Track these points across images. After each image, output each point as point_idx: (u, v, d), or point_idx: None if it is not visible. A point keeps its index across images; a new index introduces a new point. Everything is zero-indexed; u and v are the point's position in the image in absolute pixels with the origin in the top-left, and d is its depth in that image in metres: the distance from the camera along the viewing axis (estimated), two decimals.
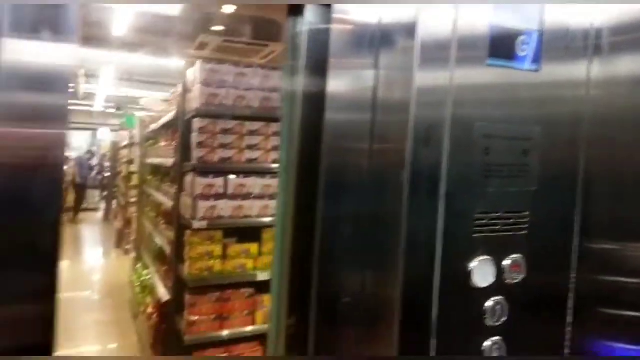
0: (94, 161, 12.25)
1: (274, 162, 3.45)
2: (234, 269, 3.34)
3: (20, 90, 0.69)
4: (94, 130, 15.53)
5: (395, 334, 0.83)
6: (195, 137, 3.22)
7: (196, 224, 3.16)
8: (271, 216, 3.44)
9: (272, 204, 3.45)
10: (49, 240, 0.73)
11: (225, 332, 3.25)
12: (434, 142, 0.83)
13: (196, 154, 3.21)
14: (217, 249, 3.30)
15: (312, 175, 0.96)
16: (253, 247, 3.41)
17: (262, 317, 3.41)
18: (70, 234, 9.67)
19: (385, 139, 0.90)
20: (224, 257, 3.32)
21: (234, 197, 3.31)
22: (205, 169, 3.24)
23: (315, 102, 0.95)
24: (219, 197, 3.26)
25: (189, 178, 3.34)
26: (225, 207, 3.28)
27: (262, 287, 3.44)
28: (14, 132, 0.70)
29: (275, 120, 3.46)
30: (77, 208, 10.85)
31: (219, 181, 3.26)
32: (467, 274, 0.86)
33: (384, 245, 0.87)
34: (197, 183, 3.21)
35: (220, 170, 3.28)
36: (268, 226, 3.46)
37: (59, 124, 0.72)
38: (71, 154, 14.18)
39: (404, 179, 0.81)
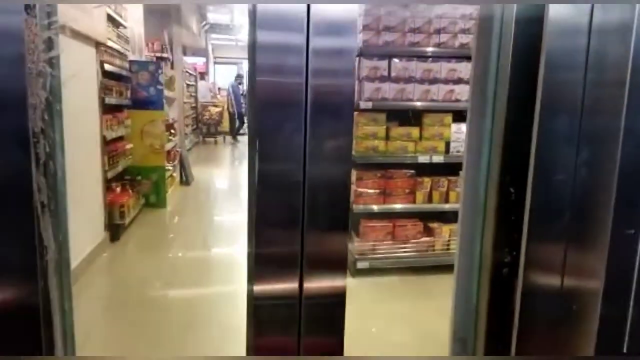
0: (243, 84, 12.32)
1: (436, 45, 3.47)
2: (396, 150, 3.52)
3: (326, 34, 0.89)
4: (237, 64, 16.65)
5: (610, 207, 0.95)
6: (360, 20, 3.36)
7: (362, 104, 3.37)
8: (432, 100, 3.51)
9: (433, 89, 3.51)
10: (347, 142, 0.94)
11: (388, 206, 3.51)
12: None
13: (362, 36, 3.36)
14: (381, 130, 3.50)
15: (526, 94, 1.01)
16: (414, 131, 3.55)
17: (421, 196, 3.59)
18: (229, 150, 10.90)
19: (605, 57, 0.96)
20: (387, 138, 3.51)
21: (396, 80, 3.44)
22: (370, 52, 3.39)
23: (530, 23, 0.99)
24: (383, 79, 3.41)
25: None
26: (388, 90, 3.43)
27: (421, 170, 3.61)
28: (323, 65, 0.90)
29: (437, 1, 3.43)
30: (233, 131, 12.07)
31: (383, 64, 3.40)
32: None
33: (601, 139, 0.98)
34: (363, 65, 3.38)
35: (385, 53, 3.41)
36: (428, 111, 3.55)
37: (349, 58, 0.91)
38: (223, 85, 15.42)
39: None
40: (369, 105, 3.39)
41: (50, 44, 0.92)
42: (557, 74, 0.97)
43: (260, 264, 0.92)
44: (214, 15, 13.44)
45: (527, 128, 1.01)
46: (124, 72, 4.74)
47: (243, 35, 14.56)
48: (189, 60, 13.51)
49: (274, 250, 0.92)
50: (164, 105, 5.29)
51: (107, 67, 4.03)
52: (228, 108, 12.29)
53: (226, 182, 7.88)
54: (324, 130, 0.90)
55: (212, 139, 12.39)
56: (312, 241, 0.92)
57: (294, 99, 0.88)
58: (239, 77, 12.40)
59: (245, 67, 15.71)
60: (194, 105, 11.79)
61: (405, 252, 3.51)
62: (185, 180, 6.74)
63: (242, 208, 5.61)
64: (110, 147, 4.21)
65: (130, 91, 4.99)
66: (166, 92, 5.52)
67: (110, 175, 4.13)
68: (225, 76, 16.91)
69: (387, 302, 3.17)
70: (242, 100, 11.89)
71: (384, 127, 3.50)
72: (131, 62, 5.03)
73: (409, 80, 3.46)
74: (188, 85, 10.97)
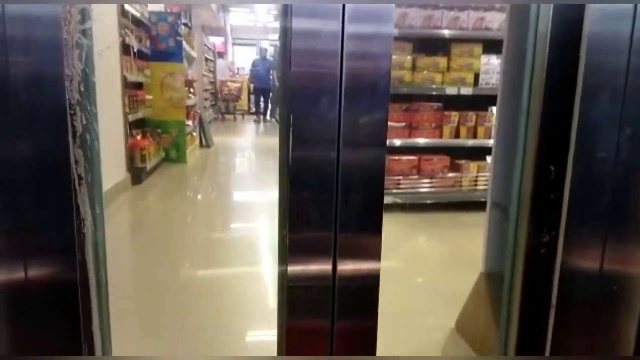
0: (269, 57, 11.54)
1: None
2: (422, 81, 3.38)
3: (364, 21, 0.86)
4: (254, 45, 16.56)
5: None
6: None
7: None
8: (461, 29, 3.35)
9: (462, 15, 3.35)
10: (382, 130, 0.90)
11: (414, 140, 3.37)
12: None
13: None
14: (407, 60, 3.35)
15: (565, 77, 0.99)
16: (442, 61, 3.40)
17: (448, 131, 3.45)
18: (248, 125, 10.88)
19: None
20: (413, 68, 3.37)
21: (424, 5, 3.29)
22: None
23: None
24: (409, 4, 3.26)
25: None
26: (415, 17, 3.28)
27: (449, 103, 3.46)
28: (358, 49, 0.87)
29: None
30: (258, 108, 11.90)
31: None
32: None
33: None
34: None
35: None
36: (457, 40, 3.40)
37: (386, 42, 0.90)
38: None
39: None
40: (395, 32, 3.24)
41: (84, 15, 0.91)
42: (599, 54, 0.95)
43: (293, 246, 0.91)
44: None
45: (566, 110, 0.99)
46: (144, 20, 4.68)
47: (262, 17, 14.46)
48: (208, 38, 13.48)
49: (306, 231, 0.91)
50: (183, 58, 5.22)
51: (125, 6, 3.97)
52: (249, 86, 12.13)
53: (244, 147, 7.86)
54: (358, 113, 0.88)
55: (231, 116, 12.36)
56: (345, 223, 0.91)
57: (327, 83, 0.86)
58: (261, 50, 12.07)
59: (263, 45, 15.54)
60: (212, 80, 11.74)
61: (431, 187, 3.38)
62: (206, 143, 6.70)
63: (259, 167, 5.57)
64: (130, 92, 4.16)
65: (150, 42, 4.94)
66: (185, 46, 5.46)
67: (130, 118, 4.08)
68: (243, 58, 16.84)
69: (415, 235, 3.06)
70: (265, 77, 11.35)
71: (410, 57, 3.36)
72: (150, 12, 4.97)
73: (437, 5, 3.30)
74: (207, 59, 10.92)
